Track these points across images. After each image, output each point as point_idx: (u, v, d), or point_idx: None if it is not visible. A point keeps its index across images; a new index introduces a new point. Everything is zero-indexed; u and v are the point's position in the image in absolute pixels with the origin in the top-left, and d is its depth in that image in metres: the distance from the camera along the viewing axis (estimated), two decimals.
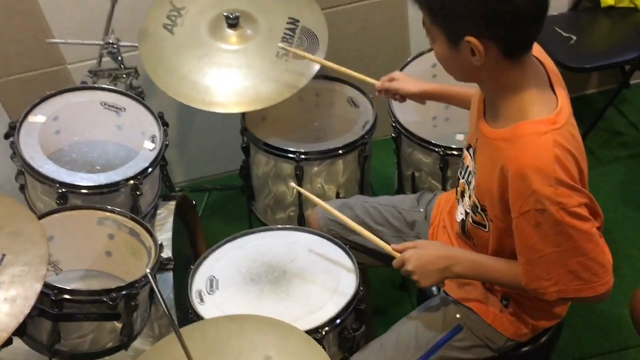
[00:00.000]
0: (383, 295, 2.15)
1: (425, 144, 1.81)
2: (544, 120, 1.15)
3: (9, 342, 1.33)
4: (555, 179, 1.11)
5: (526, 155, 1.13)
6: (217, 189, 2.52)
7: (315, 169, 1.87)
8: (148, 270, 0.88)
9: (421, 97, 1.70)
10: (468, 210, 1.39)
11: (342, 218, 1.53)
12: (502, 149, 1.19)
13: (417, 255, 1.35)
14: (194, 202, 2.04)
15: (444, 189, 1.84)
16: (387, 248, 1.42)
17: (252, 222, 2.19)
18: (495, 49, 1.13)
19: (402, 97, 1.71)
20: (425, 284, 1.36)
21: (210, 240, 1.65)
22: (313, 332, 1.40)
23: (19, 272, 1.01)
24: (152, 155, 1.72)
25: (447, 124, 2.10)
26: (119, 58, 1.96)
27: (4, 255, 1.03)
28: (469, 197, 1.37)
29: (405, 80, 1.70)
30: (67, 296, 1.33)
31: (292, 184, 1.61)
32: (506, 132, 1.19)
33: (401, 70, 1.99)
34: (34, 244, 1.06)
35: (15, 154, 1.64)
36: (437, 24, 1.17)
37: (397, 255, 1.39)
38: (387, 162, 2.32)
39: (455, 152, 1.76)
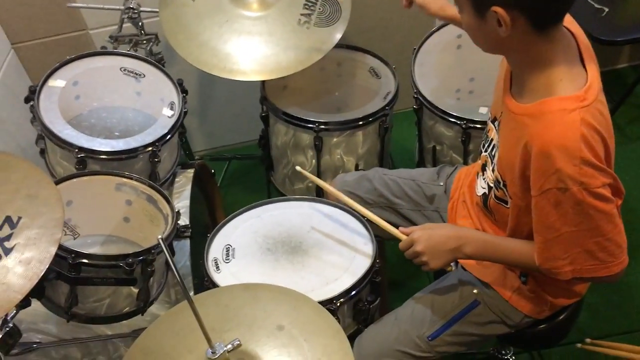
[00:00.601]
0: (400, 268, 2.13)
1: (447, 117, 1.77)
2: (572, 97, 1.11)
3: (27, 303, 1.36)
4: (580, 158, 1.08)
5: (552, 133, 1.10)
6: (236, 158, 2.52)
7: (335, 139, 1.85)
8: (160, 237, 0.87)
9: (444, 19, 1.65)
10: (491, 185, 1.36)
11: (345, 199, 1.50)
12: (527, 124, 1.15)
13: (426, 236, 1.32)
14: (212, 170, 2.03)
15: (466, 162, 1.81)
16: (393, 230, 1.40)
17: (270, 192, 2.18)
18: (523, 20, 1.09)
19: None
20: (434, 265, 1.33)
21: (229, 209, 1.65)
22: (327, 303, 1.39)
23: (34, 234, 1.02)
24: (171, 122, 1.71)
25: (470, 96, 2.06)
26: (140, 24, 1.94)
27: (19, 217, 1.04)
28: (492, 171, 1.35)
29: None
30: (84, 260, 1.34)
31: (298, 167, 1.57)
32: (532, 108, 1.15)
33: (425, 40, 1.95)
34: (49, 208, 1.06)
35: (35, 118, 1.64)
36: None
37: (404, 237, 1.36)
38: (408, 134, 2.29)
39: (478, 126, 1.72)
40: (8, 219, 1.04)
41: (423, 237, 1.33)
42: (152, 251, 1.41)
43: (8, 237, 1.01)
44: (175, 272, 0.85)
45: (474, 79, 2.04)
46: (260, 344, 1.10)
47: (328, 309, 1.39)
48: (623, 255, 1.18)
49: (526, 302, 1.40)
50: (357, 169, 1.91)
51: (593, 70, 1.15)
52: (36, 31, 2.26)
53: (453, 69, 1.99)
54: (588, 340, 1.62)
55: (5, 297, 0.95)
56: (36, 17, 2.22)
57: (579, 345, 1.61)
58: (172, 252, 1.58)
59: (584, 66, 1.16)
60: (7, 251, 1.00)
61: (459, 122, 1.75)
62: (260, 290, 1.21)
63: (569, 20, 1.21)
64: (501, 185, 1.30)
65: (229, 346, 1.02)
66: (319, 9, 1.85)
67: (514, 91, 1.24)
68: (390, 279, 2.00)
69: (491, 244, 1.33)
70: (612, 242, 1.15)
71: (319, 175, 1.91)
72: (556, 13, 1.11)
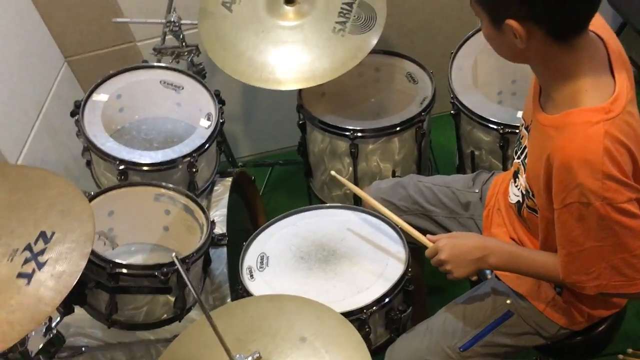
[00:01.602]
0: (440, 274, 2.10)
1: (484, 122, 1.74)
2: (597, 108, 1.07)
3: (70, 310, 1.43)
4: (602, 172, 1.04)
5: (573, 146, 1.07)
6: (279, 164, 2.55)
7: (371, 146, 1.85)
8: (174, 255, 0.91)
9: None
10: (524, 192, 1.33)
11: (375, 204, 1.51)
12: (550, 136, 1.12)
13: (451, 244, 1.32)
14: (252, 177, 2.07)
15: (505, 168, 1.77)
16: (421, 238, 1.40)
17: (311, 199, 2.20)
18: (540, 32, 1.06)
19: None
20: (458, 275, 1.32)
21: (272, 215, 1.68)
22: (358, 312, 1.40)
23: (66, 249, 1.07)
24: (208, 132, 1.76)
25: (513, 99, 2.02)
26: (181, 36, 1.99)
27: (53, 232, 1.09)
28: (525, 179, 1.32)
29: None
30: (121, 270, 1.39)
31: (332, 172, 1.59)
32: (556, 119, 1.12)
33: (463, 44, 1.92)
34: (81, 223, 1.11)
35: (80, 131, 1.72)
36: (479, 4, 1.11)
37: (430, 245, 1.36)
38: (451, 137, 2.26)
39: (517, 131, 1.68)
40: (42, 234, 1.10)
41: (448, 246, 1.32)
42: (187, 260, 1.45)
43: (42, 252, 1.07)
44: (191, 288, 0.88)
45: (515, 81, 2.00)
46: (283, 355, 1.12)
47: (358, 318, 1.41)
48: None
49: (561, 313, 1.37)
50: (394, 175, 1.90)
51: (622, 79, 1.11)
52: (87, 45, 2.36)
53: (494, 71, 1.96)
54: (630, 350, 1.57)
55: (36, 310, 1.00)
56: (87, 31, 2.32)
57: (620, 356, 1.55)
58: (209, 261, 1.62)
59: (613, 75, 1.12)
60: (40, 265, 1.05)
61: (496, 127, 1.72)
62: (285, 301, 1.23)
63: (599, 24, 1.16)
64: (530, 195, 1.27)
65: (249, 359, 1.05)
66: (354, 16, 1.85)
67: (542, 101, 1.21)
68: (430, 285, 1.99)
69: (516, 256, 1.30)
70: (639, 259, 1.11)
71: (355, 182, 1.92)
72: (576, 23, 1.07)
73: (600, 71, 1.12)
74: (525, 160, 1.32)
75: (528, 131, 1.31)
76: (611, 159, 1.05)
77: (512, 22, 1.05)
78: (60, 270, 1.04)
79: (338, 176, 1.60)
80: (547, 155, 1.12)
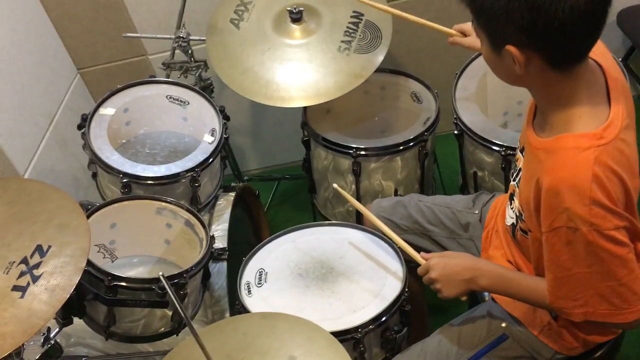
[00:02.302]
0: None
1: (486, 143, 1.75)
2: (589, 134, 1.07)
3: (69, 322, 1.45)
4: (590, 198, 1.04)
5: (562, 170, 1.07)
6: (285, 179, 2.56)
7: (373, 165, 1.86)
8: (161, 274, 0.92)
9: None
10: (518, 215, 1.34)
11: (375, 221, 1.52)
12: (541, 160, 1.13)
13: (442, 264, 1.33)
14: (257, 191, 2.09)
15: (507, 190, 1.76)
16: (415, 255, 1.41)
17: (315, 214, 2.21)
18: (538, 59, 1.06)
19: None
20: (447, 294, 1.32)
21: (278, 229, 1.69)
22: (353, 331, 1.41)
23: (61, 263, 1.09)
24: (211, 148, 1.78)
25: (519, 119, 2.02)
26: (189, 51, 2.02)
27: (49, 246, 1.12)
28: (514, 201, 1.33)
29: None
30: (119, 283, 1.41)
31: (335, 185, 1.61)
32: (548, 143, 1.13)
33: (469, 64, 1.93)
34: (78, 237, 1.13)
35: (86, 144, 1.75)
36: (480, 26, 1.12)
37: (423, 262, 1.36)
38: (456, 155, 2.26)
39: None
40: (39, 248, 1.12)
41: (439, 265, 1.33)
42: (185, 275, 1.46)
43: (37, 265, 1.09)
44: (179, 308, 0.89)
45: (522, 102, 2.00)
46: None
47: (353, 337, 1.41)
48: (639, 304, 1.13)
49: (557, 338, 1.36)
50: (396, 194, 1.91)
51: (618, 108, 1.11)
52: (100, 57, 2.41)
53: (499, 92, 1.96)
54: None
55: (29, 323, 1.02)
56: (100, 44, 2.36)
57: None
58: (208, 275, 1.64)
59: (610, 102, 1.12)
60: (35, 278, 1.07)
61: (498, 149, 1.72)
62: (277, 320, 1.24)
63: (599, 52, 1.17)
64: (523, 217, 1.27)
65: None
66: (360, 35, 1.87)
67: (536, 124, 1.22)
68: (431, 304, 1.98)
69: (506, 279, 1.31)
70: (627, 288, 1.11)
71: (358, 200, 1.92)
72: (576, 53, 1.07)
73: (596, 99, 1.12)
74: (519, 185, 1.32)
75: (522, 154, 1.31)
76: (600, 186, 1.05)
77: (511, 49, 1.06)
78: (54, 283, 1.06)
79: (340, 189, 1.62)
80: (537, 178, 1.12)
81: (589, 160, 1.05)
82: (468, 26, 1.64)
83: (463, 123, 1.79)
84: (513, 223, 1.38)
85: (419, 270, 1.37)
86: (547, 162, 1.10)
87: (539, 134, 1.19)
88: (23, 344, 1.14)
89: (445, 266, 1.32)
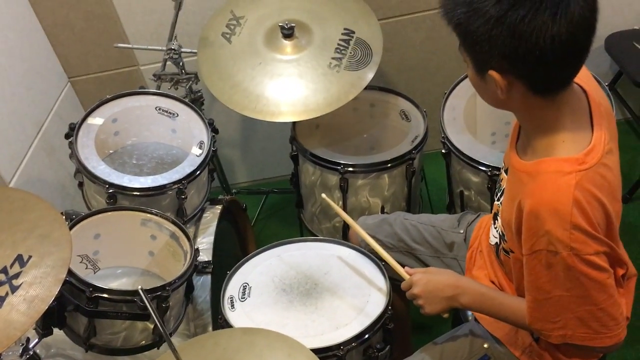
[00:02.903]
0: None
1: (473, 163, 1.76)
2: (570, 159, 1.08)
3: (49, 332, 1.44)
4: (571, 222, 1.05)
5: (544, 194, 1.07)
6: (273, 192, 2.57)
7: (360, 181, 1.86)
8: (140, 288, 0.91)
9: None
10: (501, 235, 1.34)
11: (364, 235, 1.53)
12: (523, 182, 1.14)
13: (425, 280, 1.34)
14: (244, 205, 2.08)
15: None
16: (400, 270, 1.41)
17: (302, 229, 2.21)
18: (520, 85, 1.07)
19: None
20: (429, 310, 1.34)
21: (263, 243, 1.69)
22: (335, 349, 1.40)
23: (41, 273, 1.08)
24: (199, 160, 1.78)
25: (507, 140, 2.02)
26: (180, 64, 2.03)
27: (30, 256, 1.11)
28: (498, 221, 1.33)
29: None
30: (100, 294, 1.40)
31: (323, 195, 1.62)
32: (530, 166, 1.14)
33: (457, 84, 1.94)
34: (59, 248, 1.12)
35: (73, 153, 1.74)
36: (466, 50, 1.13)
37: (407, 277, 1.37)
38: (445, 174, 2.27)
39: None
40: (19, 258, 1.11)
41: (422, 281, 1.34)
42: (167, 288, 1.46)
43: (17, 275, 1.08)
44: (158, 322, 0.89)
45: (509, 123, 2.00)
46: None
47: (335, 355, 1.41)
48: (618, 329, 1.14)
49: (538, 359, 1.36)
50: (382, 211, 1.91)
51: (600, 133, 1.12)
52: (91, 66, 2.41)
53: (487, 112, 1.97)
54: None
55: (5, 334, 1.01)
56: (92, 53, 2.37)
57: None
58: (191, 288, 1.63)
59: (593, 127, 1.13)
60: (14, 289, 1.06)
61: (484, 169, 1.73)
62: (258, 335, 1.24)
63: (584, 76, 1.18)
64: (505, 237, 1.28)
65: None
66: (350, 52, 1.88)
67: (519, 146, 1.23)
68: (415, 322, 1.98)
69: (487, 298, 1.31)
70: (606, 313, 1.11)
71: None
72: (556, 81, 1.08)
73: (580, 123, 1.13)
74: (502, 205, 1.33)
75: (507, 174, 1.32)
76: (580, 210, 1.05)
77: (493, 74, 1.06)
78: (33, 294, 1.05)
79: (328, 200, 1.62)
80: (518, 200, 1.13)
81: (570, 184, 1.05)
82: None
83: (450, 142, 1.80)
84: (497, 243, 1.38)
85: (403, 285, 1.38)
86: (529, 185, 1.11)
87: (522, 156, 1.20)
88: (0, 354, 1.12)
89: (428, 282, 1.33)
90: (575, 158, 1.08)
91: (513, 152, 1.22)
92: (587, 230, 1.06)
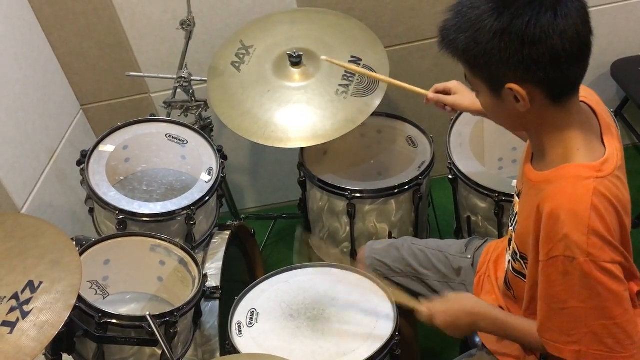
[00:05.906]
0: (433, 336, 2.09)
1: (480, 189, 1.76)
2: (588, 165, 1.10)
3: (58, 358, 1.45)
4: (589, 227, 1.06)
5: (563, 197, 1.09)
6: (282, 218, 2.58)
7: (368, 207, 1.88)
8: (148, 314, 0.93)
9: (478, 113, 1.61)
10: (510, 258, 1.35)
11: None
12: (542, 189, 1.15)
13: (442, 310, 1.36)
14: (252, 230, 2.10)
15: (500, 235, 1.78)
16: (415, 305, 1.43)
17: (311, 254, 2.22)
18: (539, 93, 1.10)
19: (454, 110, 1.64)
20: (458, 336, 1.39)
21: (271, 269, 1.70)
22: None
23: (52, 299, 1.10)
24: (207, 186, 1.80)
25: (514, 165, 2.04)
26: (190, 91, 2.06)
27: (41, 282, 1.13)
28: (512, 243, 1.34)
29: (462, 94, 1.63)
30: (109, 320, 1.41)
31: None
32: (548, 174, 1.15)
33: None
34: (69, 274, 1.14)
35: (84, 180, 1.77)
36: (477, 75, 1.14)
37: (423, 309, 1.39)
38: (452, 199, 2.28)
39: (511, 199, 1.70)
40: (30, 284, 1.13)
41: (440, 314, 1.37)
42: (175, 313, 1.46)
43: (28, 301, 1.10)
44: (165, 348, 0.90)
45: (516, 149, 2.02)
46: None
47: None
48: (634, 349, 1.12)
49: None
50: (390, 236, 1.92)
51: (613, 147, 1.14)
52: (103, 94, 2.45)
53: (495, 138, 1.99)
54: None
55: (15, 359, 1.02)
56: (104, 81, 2.41)
57: None
58: (199, 314, 1.64)
59: (604, 143, 1.16)
60: (25, 314, 1.08)
61: (491, 195, 1.74)
62: None
63: (594, 100, 1.21)
64: (518, 257, 1.29)
65: None
66: (357, 79, 1.91)
67: (535, 162, 1.24)
68: (424, 347, 1.97)
69: (502, 323, 1.33)
70: (621, 328, 1.10)
71: (352, 242, 1.94)
72: (570, 82, 1.10)
73: (591, 137, 1.15)
74: (515, 225, 1.33)
75: (518, 197, 1.33)
76: (598, 216, 1.06)
77: (512, 86, 1.08)
78: (44, 320, 1.07)
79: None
80: (537, 206, 1.13)
81: (588, 189, 1.07)
82: (450, 85, 1.66)
83: (457, 168, 1.82)
84: (511, 266, 1.38)
85: (422, 318, 1.41)
86: (548, 190, 1.12)
87: (538, 169, 1.21)
88: None
89: (445, 313, 1.36)
90: (592, 165, 1.10)
91: (529, 167, 1.23)
92: (604, 236, 1.06)
